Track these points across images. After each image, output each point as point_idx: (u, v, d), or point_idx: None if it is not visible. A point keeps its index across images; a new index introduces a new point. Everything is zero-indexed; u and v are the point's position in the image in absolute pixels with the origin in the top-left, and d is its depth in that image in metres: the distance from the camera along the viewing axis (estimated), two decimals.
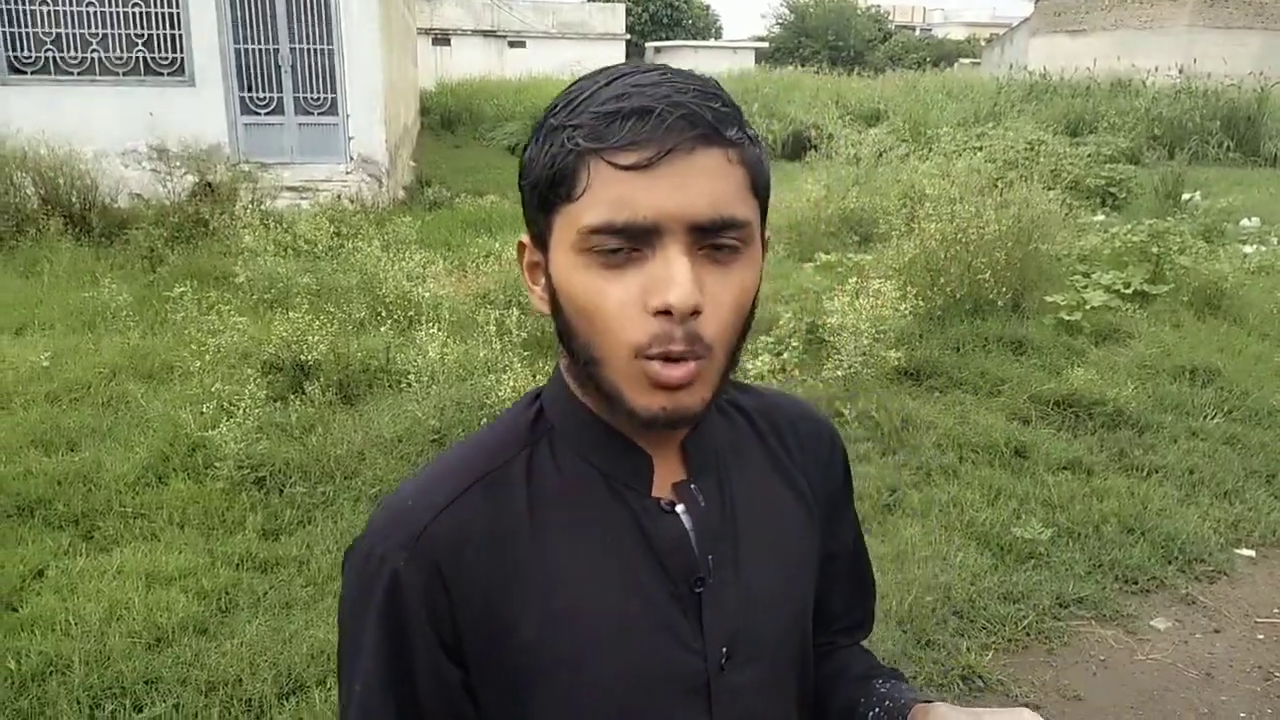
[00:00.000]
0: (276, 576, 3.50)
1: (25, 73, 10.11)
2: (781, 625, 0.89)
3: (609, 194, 0.71)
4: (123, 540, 3.71)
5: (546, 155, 0.74)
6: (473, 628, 0.78)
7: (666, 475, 0.84)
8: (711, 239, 0.73)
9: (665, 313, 0.71)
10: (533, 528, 0.80)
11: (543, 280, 0.80)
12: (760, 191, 0.77)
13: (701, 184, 0.71)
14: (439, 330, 5.10)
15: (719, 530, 0.85)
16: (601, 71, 0.77)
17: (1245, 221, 9.71)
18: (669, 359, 0.73)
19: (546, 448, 0.83)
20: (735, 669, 0.84)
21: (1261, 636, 3.35)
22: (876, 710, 0.93)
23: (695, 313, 0.72)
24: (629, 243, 0.72)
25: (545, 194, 0.75)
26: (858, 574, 1.06)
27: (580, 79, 0.78)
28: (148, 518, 3.86)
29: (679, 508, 0.83)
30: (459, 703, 0.80)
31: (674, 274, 0.71)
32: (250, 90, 10.59)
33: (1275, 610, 3.50)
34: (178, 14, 10.21)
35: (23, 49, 10.07)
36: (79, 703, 2.75)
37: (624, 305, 0.73)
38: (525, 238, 0.82)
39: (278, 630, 3.13)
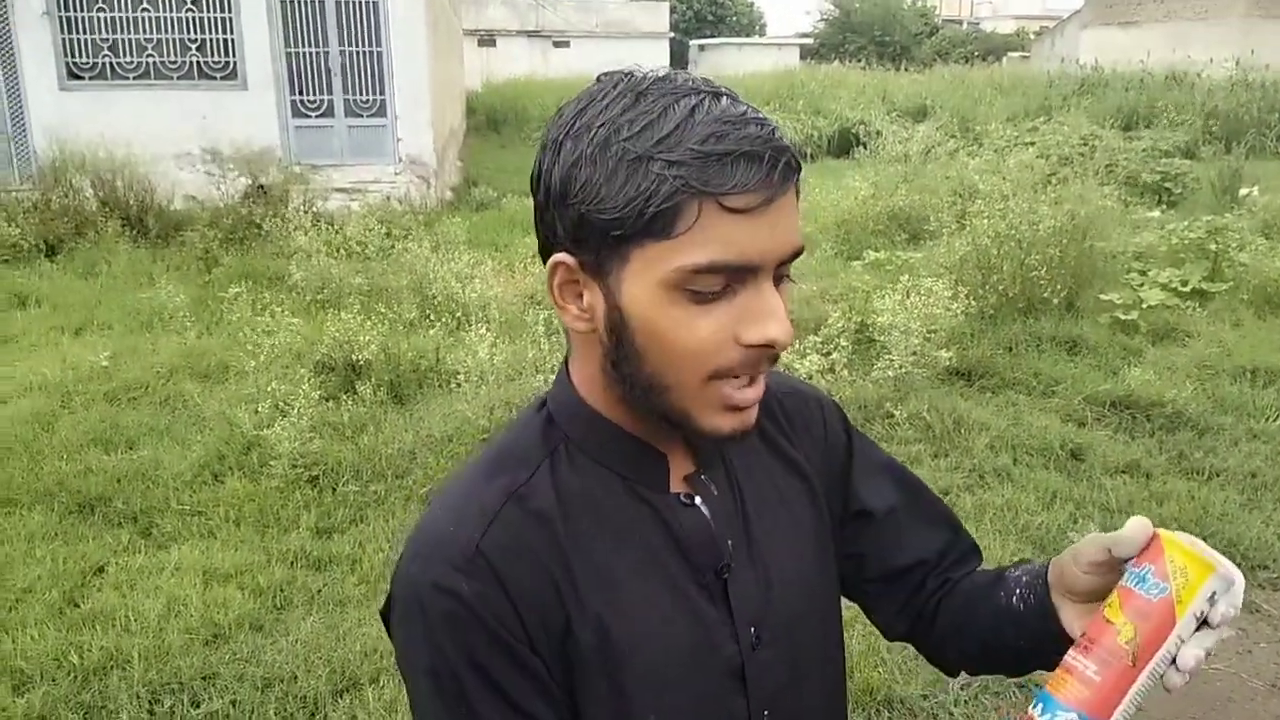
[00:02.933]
0: (330, 574, 3.54)
1: (83, 78, 10.35)
2: (798, 602, 0.91)
3: (718, 235, 0.72)
4: (180, 537, 3.78)
5: (632, 188, 0.72)
6: (536, 630, 0.79)
7: (678, 469, 0.87)
8: (784, 269, 0.78)
9: (765, 346, 0.75)
10: (569, 534, 0.82)
11: (580, 302, 0.79)
12: None
13: (789, 222, 0.76)
14: (488, 330, 5.13)
15: (732, 517, 0.88)
16: (669, 94, 0.73)
17: None
18: (742, 377, 0.77)
19: (564, 456, 0.85)
20: (764, 648, 0.87)
21: None
22: (1019, 592, 0.92)
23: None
24: (728, 281, 0.74)
25: (630, 228, 0.73)
26: (928, 514, 1.03)
27: (646, 98, 0.74)
28: (204, 515, 3.93)
29: (696, 500, 0.87)
30: (553, 684, 0.80)
31: (774, 309, 0.75)
32: (301, 93, 10.75)
33: None
34: (230, 19, 10.40)
35: (80, 55, 10.32)
36: (138, 697, 2.81)
37: (714, 338, 0.75)
38: (565, 259, 0.78)
39: (331, 627, 3.16)
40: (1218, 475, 4.38)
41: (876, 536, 1.00)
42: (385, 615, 0.84)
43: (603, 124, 0.74)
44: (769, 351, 0.76)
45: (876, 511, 1.00)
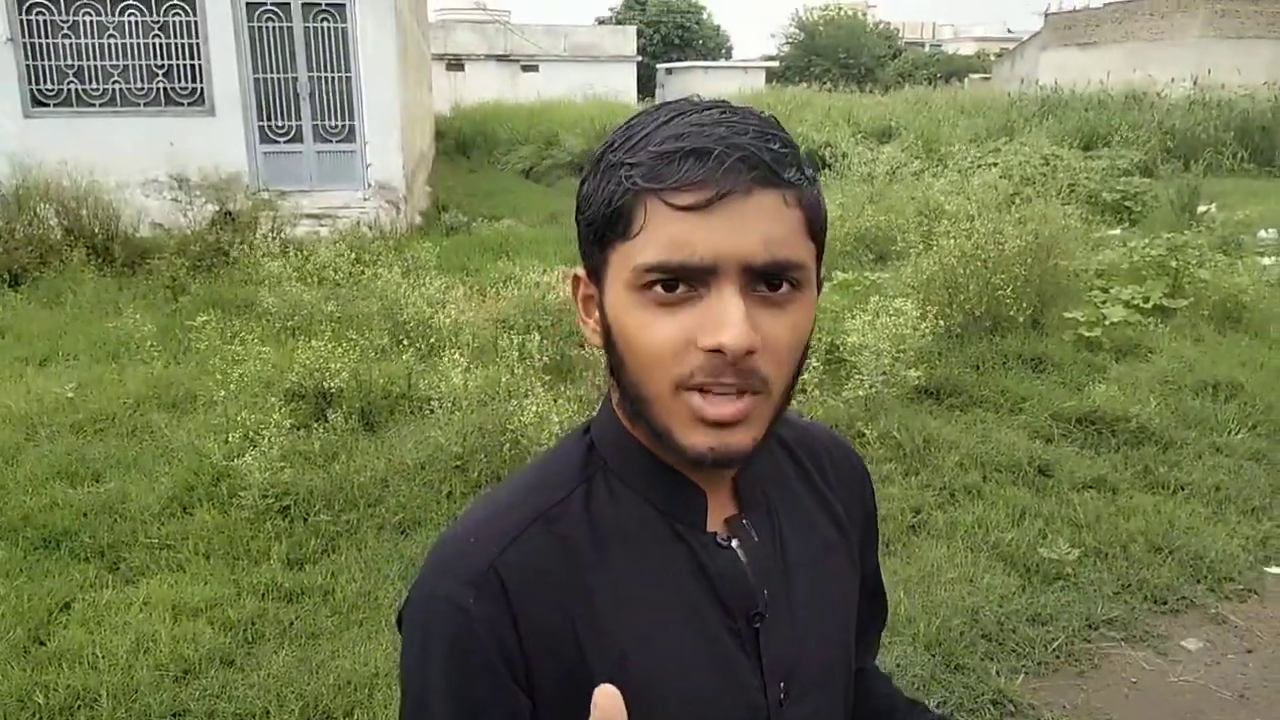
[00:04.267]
0: (302, 606, 3.51)
1: (48, 104, 10.26)
2: (831, 658, 0.90)
3: (665, 233, 0.72)
4: (149, 571, 3.73)
5: (604, 192, 0.76)
6: (541, 662, 0.77)
7: (719, 510, 0.84)
8: (766, 280, 0.74)
9: (717, 351, 0.72)
10: (595, 563, 0.80)
11: (596, 314, 0.81)
12: (817, 233, 0.78)
13: (758, 226, 0.72)
14: (461, 356, 5.12)
15: (772, 565, 0.86)
16: (662, 108, 0.78)
17: (1263, 233, 9.65)
18: (713, 391, 0.73)
19: (602, 483, 0.83)
20: (792, 704, 0.85)
21: None
22: None
23: (749, 353, 0.72)
24: (685, 282, 0.73)
25: (602, 230, 0.77)
26: (879, 596, 1.07)
27: (639, 115, 0.79)
28: (173, 548, 3.89)
29: (733, 542, 0.84)
30: None
31: (728, 314, 0.71)
32: (269, 119, 10.71)
33: None
34: (198, 44, 10.35)
35: (45, 81, 10.23)
36: None
37: (673, 342, 0.73)
38: (581, 271, 0.83)
39: (304, 661, 3.13)
40: (1183, 489, 4.45)
41: (864, 605, 1.01)
42: (399, 621, 0.84)
43: (607, 143, 0.78)
44: (730, 360, 0.72)
45: (864, 578, 1.01)
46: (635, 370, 0.76)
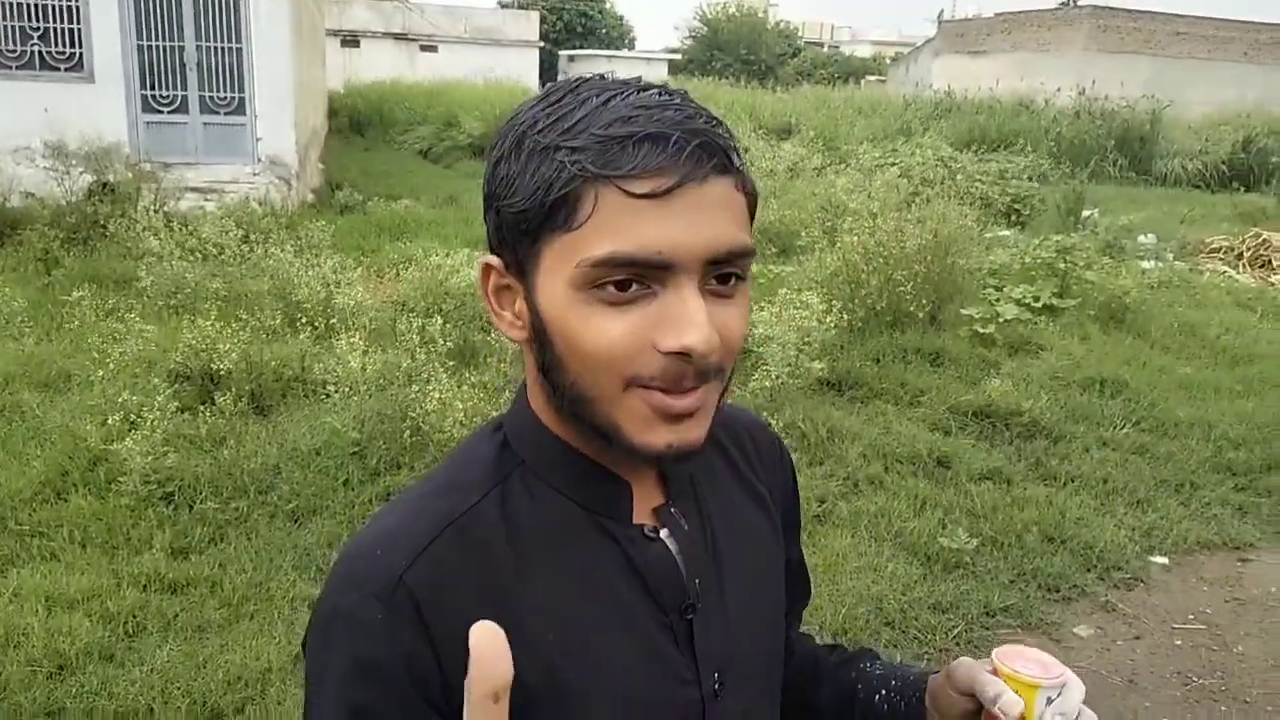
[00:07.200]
0: (187, 598, 3.32)
1: None
2: (764, 645, 0.88)
3: (619, 223, 0.66)
4: (19, 561, 3.48)
5: (537, 178, 0.68)
6: (460, 679, 0.69)
7: (645, 500, 0.80)
8: (720, 271, 0.70)
9: (680, 355, 0.67)
10: (516, 568, 0.74)
11: (514, 307, 0.75)
12: (752, 219, 0.75)
13: (715, 215, 0.68)
14: (358, 339, 4.94)
15: (702, 554, 0.82)
16: (585, 85, 0.72)
17: (1142, 238, 10.11)
18: (672, 391, 0.69)
19: (519, 482, 0.77)
20: (726, 695, 0.81)
21: (1179, 642, 3.44)
22: (884, 691, 0.93)
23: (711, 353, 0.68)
24: (638, 278, 0.67)
25: (536, 220, 0.69)
26: (802, 574, 1.05)
27: (557, 93, 0.72)
28: (46, 536, 3.64)
29: (663, 533, 0.80)
30: None
31: (692, 314, 0.67)
32: (153, 88, 10.19)
33: (1190, 617, 3.60)
34: (76, 7, 9.77)
35: None
36: None
37: (625, 344, 0.68)
38: (492, 260, 0.75)
39: (190, 656, 2.96)
40: (1073, 481, 4.60)
41: (790, 588, 0.98)
42: (305, 644, 0.75)
43: (522, 121, 0.71)
44: (691, 361, 0.68)
45: (790, 561, 0.98)
46: (578, 372, 0.70)
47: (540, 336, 0.72)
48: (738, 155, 0.72)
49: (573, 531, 0.76)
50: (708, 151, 0.67)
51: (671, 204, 0.66)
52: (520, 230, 0.71)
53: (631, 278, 0.67)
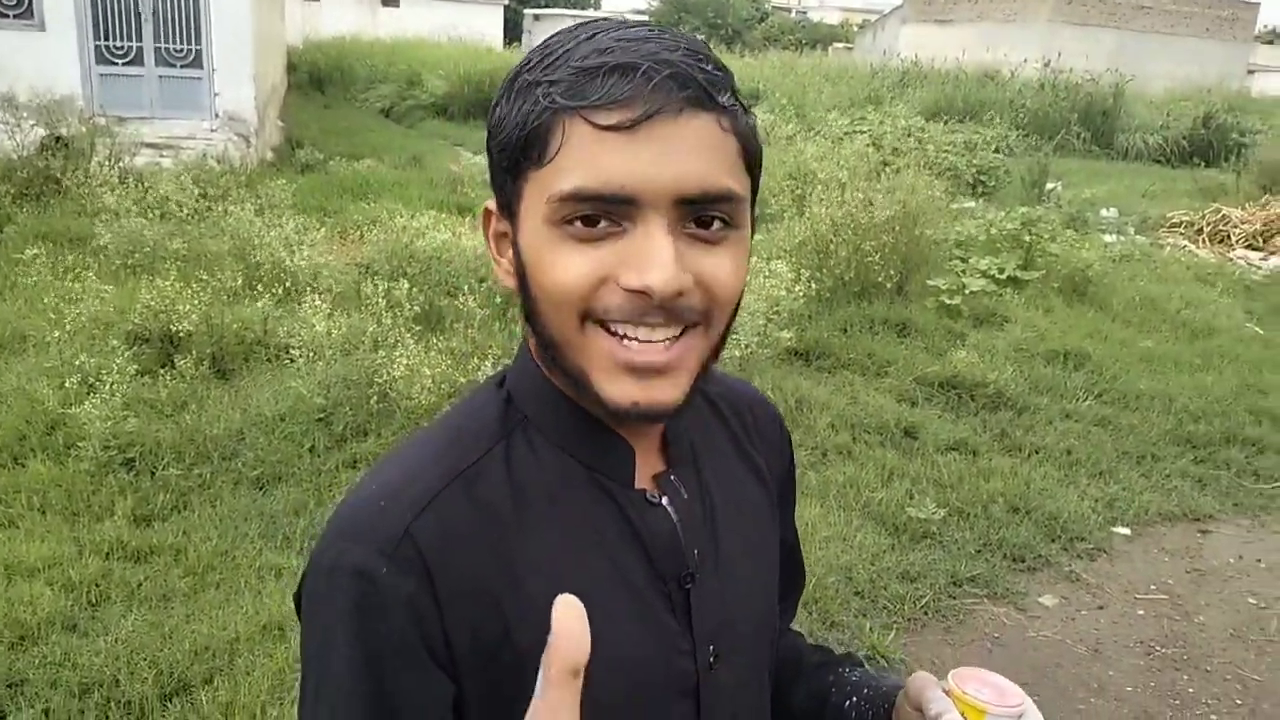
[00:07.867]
0: (151, 566, 3.26)
1: None
2: (757, 618, 0.86)
3: (584, 156, 0.64)
4: None
5: (518, 114, 0.67)
6: (462, 636, 0.69)
7: (646, 465, 0.78)
8: (698, 214, 0.66)
9: (640, 293, 0.65)
10: (519, 527, 0.72)
11: (510, 253, 0.73)
12: (753, 165, 0.71)
13: (689, 152, 0.65)
14: (322, 302, 4.84)
15: (700, 524, 0.81)
16: (583, 26, 0.70)
17: (1105, 212, 10.22)
18: (637, 339, 0.67)
19: (522, 439, 0.76)
20: (720, 666, 0.80)
21: (1141, 612, 3.51)
22: (855, 699, 0.92)
23: (678, 295, 0.65)
24: (605, 214, 0.65)
25: (515, 157, 0.68)
26: (797, 559, 1.03)
27: (559, 33, 0.70)
28: (4, 503, 3.55)
29: (663, 500, 0.78)
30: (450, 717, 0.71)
31: (655, 251, 0.64)
32: (107, 39, 9.90)
33: (1152, 587, 3.67)
34: None
35: None
36: None
37: (586, 277, 0.66)
38: (492, 204, 0.75)
39: (156, 625, 2.91)
40: (1037, 452, 4.66)
41: (782, 574, 0.96)
42: (297, 599, 0.73)
43: (523, 62, 0.70)
44: (653, 301, 0.64)
45: (783, 541, 0.96)
46: (545, 313, 0.69)
47: (521, 280, 0.71)
48: (728, 93, 0.67)
49: (574, 491, 0.75)
50: (680, 83, 0.64)
51: (639, 136, 0.63)
52: (504, 169, 0.70)
53: (599, 214, 0.65)
